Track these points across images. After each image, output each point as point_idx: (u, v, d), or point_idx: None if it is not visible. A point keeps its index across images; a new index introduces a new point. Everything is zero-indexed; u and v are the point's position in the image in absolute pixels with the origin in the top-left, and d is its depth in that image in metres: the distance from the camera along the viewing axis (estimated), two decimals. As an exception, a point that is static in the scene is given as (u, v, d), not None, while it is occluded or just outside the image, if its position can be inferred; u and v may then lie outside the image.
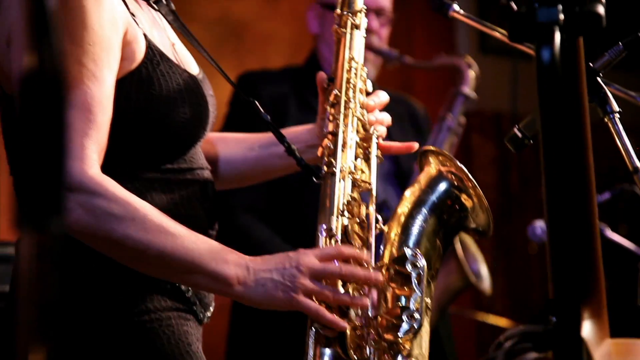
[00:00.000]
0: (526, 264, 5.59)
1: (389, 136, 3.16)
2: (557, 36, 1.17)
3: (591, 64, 1.92)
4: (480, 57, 3.25)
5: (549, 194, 1.17)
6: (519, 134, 1.84)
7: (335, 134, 1.90)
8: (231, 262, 1.78)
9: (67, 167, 1.04)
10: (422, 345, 1.82)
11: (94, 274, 1.86)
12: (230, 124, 3.30)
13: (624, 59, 1.95)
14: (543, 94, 1.17)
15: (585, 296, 1.19)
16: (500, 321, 3.99)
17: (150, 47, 1.90)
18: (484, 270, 3.26)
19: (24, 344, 1.03)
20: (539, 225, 3.20)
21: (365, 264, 1.81)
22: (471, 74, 3.17)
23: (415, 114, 3.39)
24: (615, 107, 1.90)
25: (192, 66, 2.06)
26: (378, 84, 3.33)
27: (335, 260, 1.78)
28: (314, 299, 1.76)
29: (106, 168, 1.80)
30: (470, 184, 1.89)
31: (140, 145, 1.89)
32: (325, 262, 1.77)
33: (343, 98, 1.94)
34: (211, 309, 2.01)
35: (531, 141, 1.85)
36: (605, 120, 1.90)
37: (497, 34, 2.10)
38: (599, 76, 1.92)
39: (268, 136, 2.14)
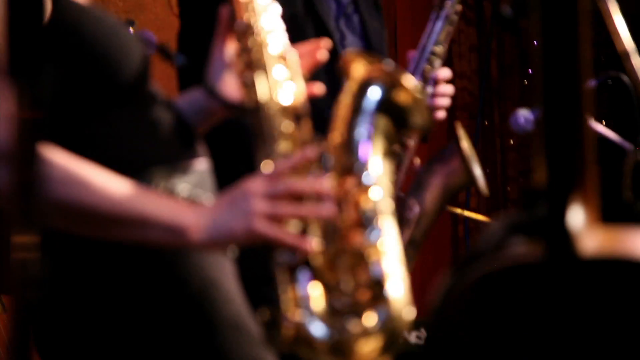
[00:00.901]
0: (504, 156, 5.57)
1: (356, 6, 3.03)
2: None
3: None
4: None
5: (546, 72, 1.11)
6: (509, 12, 1.76)
7: (251, 65, 1.81)
8: (183, 210, 1.69)
9: None
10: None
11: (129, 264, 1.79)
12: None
13: None
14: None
15: (576, 182, 1.15)
16: (477, 216, 3.97)
17: None
18: (478, 170, 3.20)
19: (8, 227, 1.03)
20: (522, 114, 3.13)
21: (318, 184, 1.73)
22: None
23: None
24: (609, -16, 1.82)
25: None
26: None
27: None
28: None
29: (58, 123, 1.73)
30: (401, 83, 1.83)
31: (94, 91, 1.79)
32: (273, 182, 1.69)
33: (249, 27, 1.83)
34: None
35: (525, 19, 1.76)
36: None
37: None
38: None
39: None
